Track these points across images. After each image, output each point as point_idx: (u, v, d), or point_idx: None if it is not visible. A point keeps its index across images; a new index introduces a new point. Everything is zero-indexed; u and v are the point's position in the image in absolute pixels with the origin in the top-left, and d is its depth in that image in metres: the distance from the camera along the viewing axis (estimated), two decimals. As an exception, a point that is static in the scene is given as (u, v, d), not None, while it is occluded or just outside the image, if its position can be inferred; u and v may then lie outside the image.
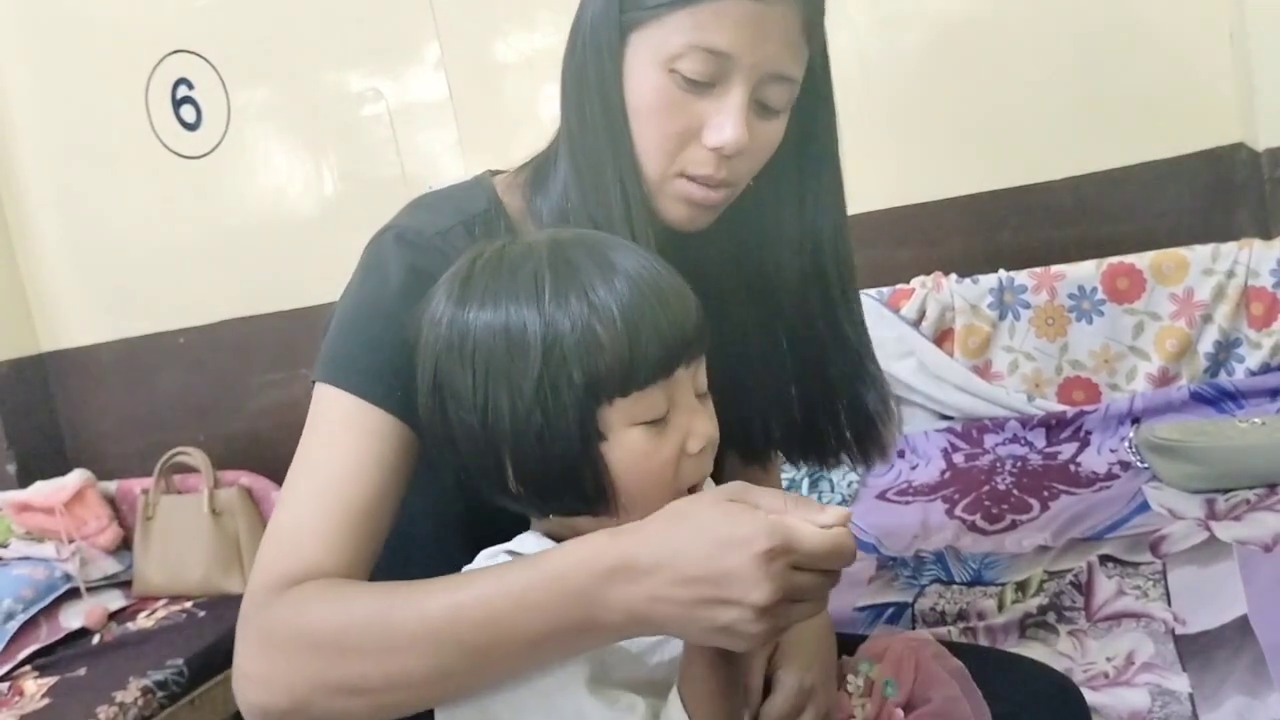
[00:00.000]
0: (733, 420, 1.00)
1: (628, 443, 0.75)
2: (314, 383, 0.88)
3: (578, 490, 0.76)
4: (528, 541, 0.80)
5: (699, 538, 0.67)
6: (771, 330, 1.04)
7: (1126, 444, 1.76)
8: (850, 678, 0.93)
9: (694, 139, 0.89)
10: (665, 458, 0.76)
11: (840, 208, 1.02)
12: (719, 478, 1.00)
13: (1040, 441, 1.87)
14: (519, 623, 0.70)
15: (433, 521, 0.89)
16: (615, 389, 0.74)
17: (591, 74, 0.90)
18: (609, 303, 0.74)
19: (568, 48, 0.93)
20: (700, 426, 0.77)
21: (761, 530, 0.65)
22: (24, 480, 2.60)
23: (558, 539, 0.79)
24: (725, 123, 0.87)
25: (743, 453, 1.08)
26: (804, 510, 0.67)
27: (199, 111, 2.55)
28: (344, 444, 0.84)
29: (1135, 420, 1.80)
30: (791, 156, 0.97)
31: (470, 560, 0.82)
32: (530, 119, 2.31)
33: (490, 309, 0.75)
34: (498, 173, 1.03)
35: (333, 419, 0.86)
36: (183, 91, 2.54)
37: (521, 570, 0.72)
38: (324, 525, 0.81)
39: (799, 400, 1.06)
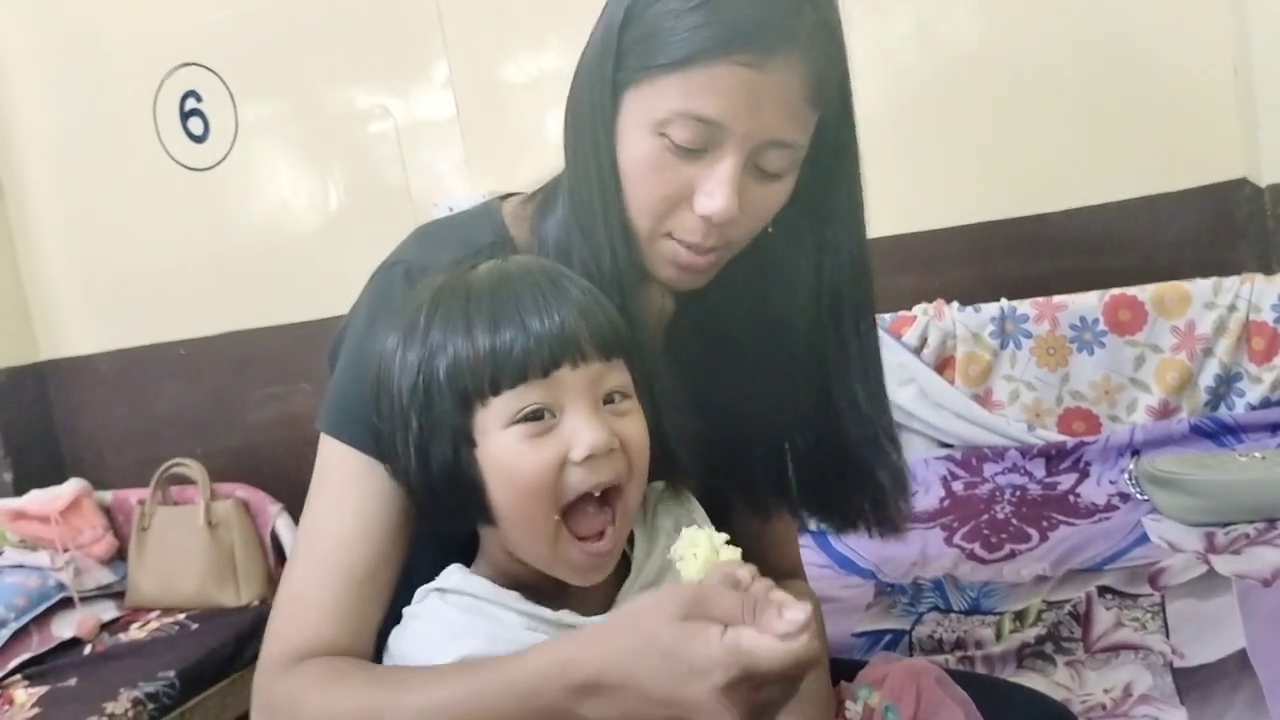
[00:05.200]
0: (739, 459, 1.00)
1: (501, 445, 0.76)
2: (319, 431, 0.89)
3: (457, 498, 0.79)
4: (453, 578, 0.82)
5: (659, 664, 0.66)
6: (786, 382, 1.02)
7: (1126, 476, 1.76)
8: (849, 704, 0.92)
9: (684, 203, 0.86)
10: (540, 462, 0.76)
11: (861, 273, 0.98)
12: (726, 524, 1.00)
13: (1040, 471, 1.87)
14: None
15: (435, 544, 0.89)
16: (484, 388, 0.76)
17: (585, 128, 0.88)
18: (478, 309, 0.77)
19: (569, 94, 0.92)
20: (586, 434, 0.75)
21: (718, 663, 0.64)
22: (20, 488, 2.59)
23: (495, 571, 0.82)
24: (715, 192, 0.84)
25: (750, 504, 1.06)
26: (763, 618, 0.65)
27: (206, 124, 2.56)
28: (348, 508, 0.85)
29: (1135, 452, 1.80)
30: (807, 212, 0.95)
31: None
32: (537, 140, 2.32)
33: (392, 340, 0.80)
34: (507, 196, 1.02)
35: (338, 478, 0.87)
36: (191, 104, 2.56)
37: (494, 680, 0.73)
38: (326, 596, 0.83)
39: (821, 462, 1.04)
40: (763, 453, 1.03)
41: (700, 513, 0.93)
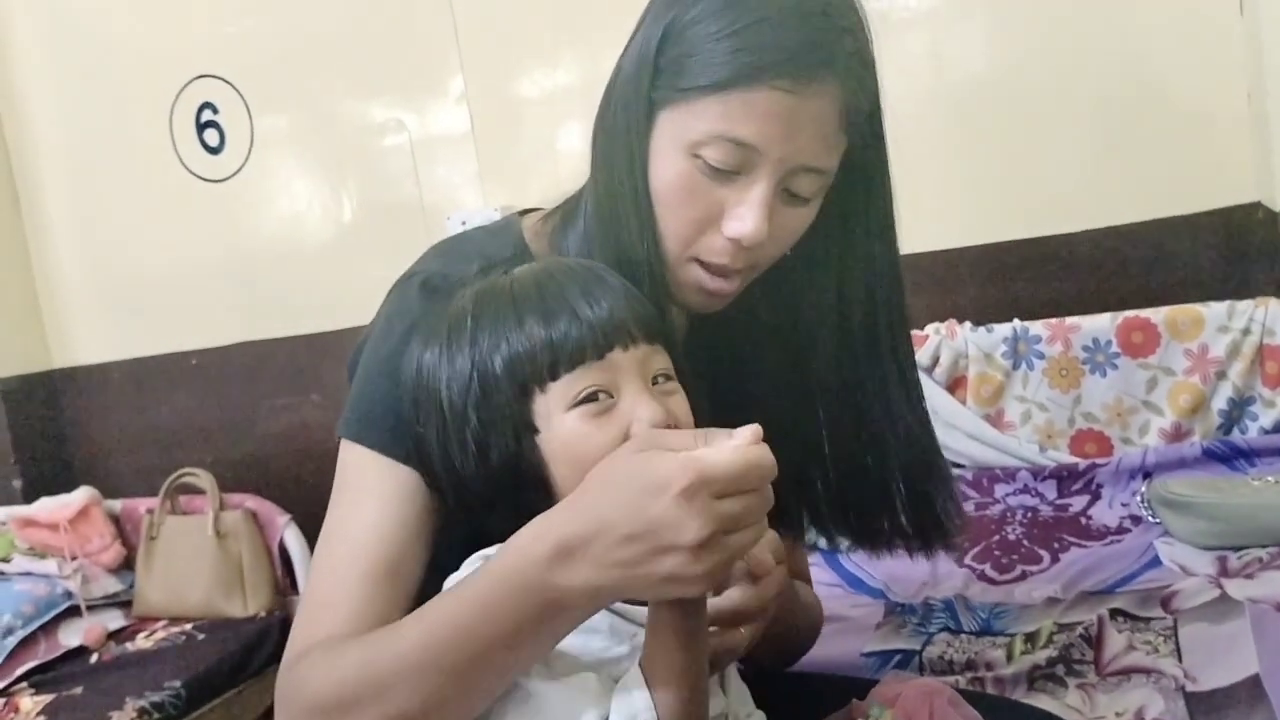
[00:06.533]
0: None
1: (565, 428, 0.77)
2: (340, 438, 0.90)
3: (518, 486, 0.79)
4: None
5: (620, 495, 0.67)
6: (807, 406, 1.01)
7: (1138, 498, 1.75)
8: (860, 722, 0.92)
9: (713, 225, 0.87)
10: (605, 440, 0.76)
11: (896, 294, 0.98)
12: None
13: (1051, 493, 1.86)
14: (488, 631, 0.71)
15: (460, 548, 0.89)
16: (543, 373, 0.77)
17: (619, 146, 0.88)
18: (527, 303, 0.78)
19: (600, 110, 0.92)
20: (645, 411, 0.77)
21: (674, 470, 0.65)
22: (29, 496, 2.60)
23: None
24: (746, 215, 0.85)
25: (780, 523, 1.07)
26: (715, 440, 0.68)
27: (222, 136, 2.58)
28: (366, 509, 0.86)
29: (1147, 475, 1.79)
30: (834, 236, 0.95)
31: None
32: (549, 154, 2.33)
33: (434, 349, 0.81)
34: (528, 212, 1.02)
35: (357, 481, 0.88)
36: (207, 115, 2.57)
37: (477, 580, 0.73)
38: (345, 596, 0.83)
39: (852, 487, 1.04)
40: (790, 472, 1.03)
41: None
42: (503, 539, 0.84)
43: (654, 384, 0.80)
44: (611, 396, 0.78)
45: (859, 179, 0.93)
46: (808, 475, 1.05)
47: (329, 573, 0.85)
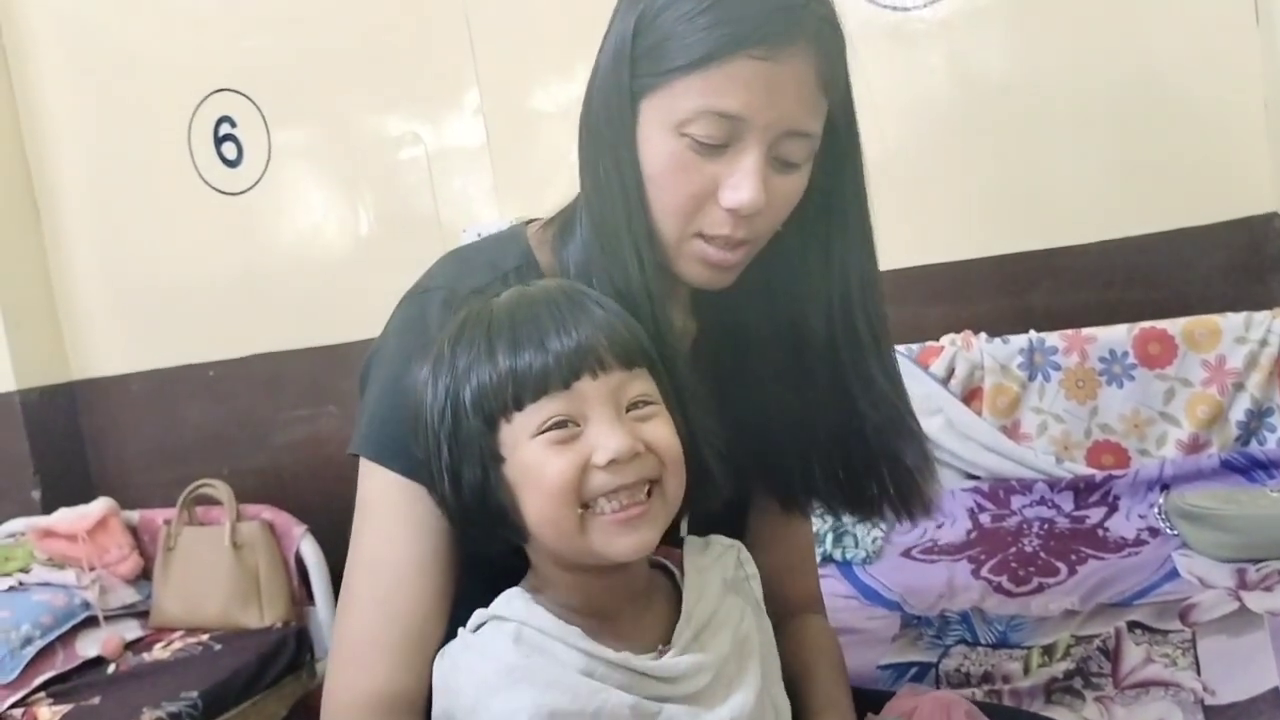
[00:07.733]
0: (768, 469, 1.00)
1: (527, 456, 0.77)
2: (358, 455, 0.90)
3: (489, 518, 0.80)
4: (514, 605, 0.81)
5: None
6: (806, 382, 1.02)
7: (1156, 510, 1.75)
8: (877, 735, 0.92)
9: (710, 200, 0.87)
10: (565, 465, 0.76)
11: (868, 259, 0.99)
12: (749, 525, 0.99)
13: (1068, 505, 1.85)
14: None
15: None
16: (508, 404, 0.77)
17: (605, 141, 0.90)
18: (499, 334, 0.79)
19: (583, 111, 0.93)
20: (608, 440, 0.76)
21: None
22: (48, 506, 2.61)
23: (544, 584, 0.82)
24: (741, 184, 0.85)
25: (780, 501, 1.07)
26: None
27: (240, 149, 2.59)
28: (401, 541, 0.86)
29: (1165, 487, 1.78)
30: (818, 206, 0.96)
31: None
32: (565, 167, 2.30)
33: (425, 371, 0.82)
34: (532, 221, 1.03)
35: (386, 508, 0.87)
36: (225, 129, 2.59)
37: None
38: (393, 638, 0.85)
39: (839, 453, 1.04)
40: (793, 457, 1.04)
41: (757, 581, 0.93)
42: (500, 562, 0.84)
43: (633, 409, 0.79)
44: (578, 425, 0.77)
45: (835, 142, 0.94)
46: (807, 453, 1.05)
47: (375, 609, 0.86)
